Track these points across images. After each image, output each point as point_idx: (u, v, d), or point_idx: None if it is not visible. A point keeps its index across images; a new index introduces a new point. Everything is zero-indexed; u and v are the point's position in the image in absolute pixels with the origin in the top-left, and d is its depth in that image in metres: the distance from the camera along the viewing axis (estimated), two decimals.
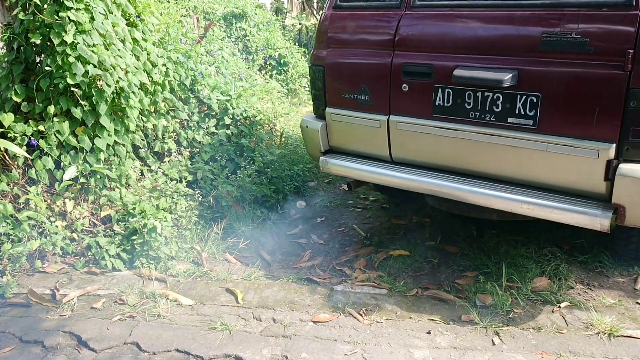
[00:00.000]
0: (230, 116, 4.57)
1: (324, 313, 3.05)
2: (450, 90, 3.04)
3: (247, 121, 4.69)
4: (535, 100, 2.77)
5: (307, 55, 8.36)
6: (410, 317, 3.03)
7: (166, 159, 4.21)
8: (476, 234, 3.98)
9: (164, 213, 3.56)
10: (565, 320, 2.93)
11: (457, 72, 2.92)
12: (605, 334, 2.78)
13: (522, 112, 2.83)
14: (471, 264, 3.59)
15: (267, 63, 7.82)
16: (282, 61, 7.90)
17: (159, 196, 3.73)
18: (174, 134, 4.35)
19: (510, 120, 2.87)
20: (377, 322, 2.98)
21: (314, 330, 2.90)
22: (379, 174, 3.41)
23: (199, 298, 3.19)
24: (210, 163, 4.33)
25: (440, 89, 3.07)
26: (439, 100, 3.09)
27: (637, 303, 3.09)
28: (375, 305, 3.13)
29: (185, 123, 4.43)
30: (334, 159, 3.61)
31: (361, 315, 3.03)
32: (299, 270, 3.57)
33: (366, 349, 2.74)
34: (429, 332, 2.89)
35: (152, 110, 4.22)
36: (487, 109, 2.94)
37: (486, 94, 2.92)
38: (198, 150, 4.37)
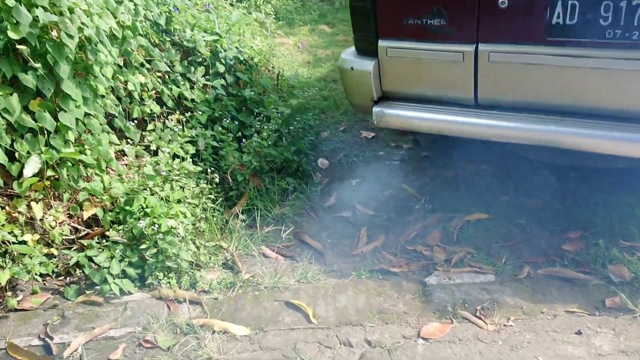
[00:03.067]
0: (222, 61, 3.53)
1: (430, 322, 2.28)
2: (575, 1, 2.18)
3: (244, 66, 3.66)
4: None
5: None
6: (542, 312, 2.31)
7: (150, 127, 3.18)
8: (556, 179, 3.26)
9: (178, 207, 2.60)
10: None
11: None
12: None
13: None
14: (569, 221, 2.89)
15: None
16: None
17: (163, 181, 2.74)
18: (154, 92, 3.28)
19: None
20: (505, 325, 2.25)
21: (429, 352, 2.13)
22: (471, 124, 2.57)
23: (254, 322, 2.33)
24: (209, 126, 3.32)
25: (559, 1, 2.21)
26: (558, 16, 2.24)
27: None
28: (490, 300, 2.38)
29: (167, 76, 3.36)
30: (393, 108, 2.73)
31: (481, 319, 2.28)
32: (363, 258, 2.76)
33: None
34: (579, 333, 2.19)
35: (122, 64, 3.12)
36: (636, 24, 2.12)
37: (635, 2, 2.09)
38: (190, 110, 3.33)
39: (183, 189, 2.83)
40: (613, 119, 2.31)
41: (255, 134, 3.25)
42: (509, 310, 2.32)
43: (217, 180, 2.93)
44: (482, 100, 2.56)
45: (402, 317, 2.32)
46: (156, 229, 2.45)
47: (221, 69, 3.48)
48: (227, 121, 3.35)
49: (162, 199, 2.66)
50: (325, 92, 4.49)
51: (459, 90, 2.59)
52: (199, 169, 2.93)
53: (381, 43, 2.65)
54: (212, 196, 2.92)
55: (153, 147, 2.99)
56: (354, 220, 3.08)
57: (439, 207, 3.13)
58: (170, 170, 2.77)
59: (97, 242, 2.59)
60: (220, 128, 3.31)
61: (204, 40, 3.44)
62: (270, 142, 3.23)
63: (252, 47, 3.84)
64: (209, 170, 2.97)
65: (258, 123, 3.33)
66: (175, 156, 2.90)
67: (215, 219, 2.89)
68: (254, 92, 3.54)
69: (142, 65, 3.21)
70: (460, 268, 2.58)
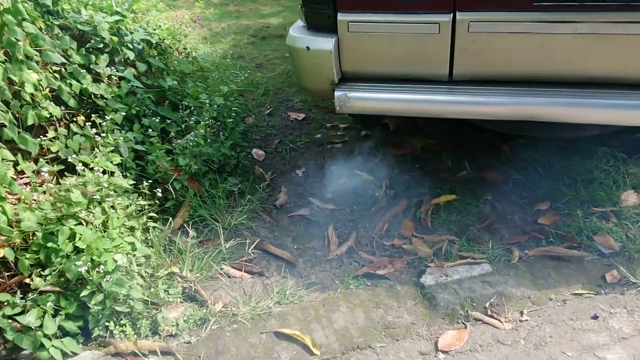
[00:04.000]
0: (130, 45, 2.93)
1: (444, 331, 2.04)
2: None
3: (156, 50, 3.09)
4: None
5: None
6: (550, 299, 2.18)
7: (51, 134, 2.56)
8: (509, 148, 3.17)
9: (123, 236, 2.09)
10: None
11: None
12: None
13: None
14: (534, 192, 2.80)
15: None
16: None
17: (87, 204, 2.18)
18: (49, 90, 2.63)
19: None
20: (521, 321, 2.08)
21: None
22: (449, 103, 2.32)
23: None
24: (126, 126, 2.76)
25: None
26: None
27: None
28: (496, 294, 2.20)
29: (63, 70, 2.72)
30: (359, 91, 2.39)
31: (494, 317, 2.09)
32: (340, 263, 2.45)
33: None
34: (595, 317, 2.08)
35: (3, 59, 2.45)
36: None
37: None
38: (101, 110, 2.74)
39: (115, 208, 2.29)
40: (604, 87, 2.19)
41: (187, 131, 2.75)
42: (518, 303, 2.16)
43: (159, 194, 2.43)
44: (458, 75, 2.32)
45: (411, 330, 2.05)
46: (101, 271, 1.93)
47: (130, 55, 2.89)
48: (148, 119, 2.80)
49: (96, 227, 2.11)
50: (239, 72, 4.01)
51: (432, 66, 2.32)
52: (131, 182, 2.40)
53: (341, 17, 2.28)
54: (152, 213, 2.42)
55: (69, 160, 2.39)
56: (315, 219, 2.74)
57: (401, 192, 2.89)
58: (99, 190, 2.21)
59: (16, 295, 1.99)
60: (140, 127, 2.76)
61: (105, 22, 2.82)
62: (207, 139, 2.75)
63: (159, 26, 3.26)
64: (144, 183, 2.44)
65: (187, 117, 2.82)
66: (103, 171, 2.33)
67: (156, 239, 2.40)
68: (175, 80, 3.00)
69: (29, 58, 2.55)
70: (452, 261, 2.37)
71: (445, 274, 2.30)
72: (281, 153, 3.32)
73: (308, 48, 2.35)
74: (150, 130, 2.76)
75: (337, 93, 2.39)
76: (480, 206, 2.76)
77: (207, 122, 2.79)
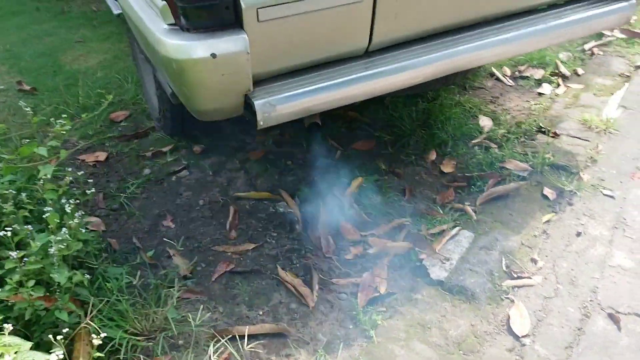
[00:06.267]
0: None
1: (502, 316, 1.87)
2: None
3: None
4: None
5: None
6: (535, 236, 2.21)
7: None
8: (359, 114, 3.03)
9: None
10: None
11: None
12: None
13: None
14: (414, 146, 2.78)
15: None
16: None
17: None
18: None
19: None
20: (540, 268, 2.05)
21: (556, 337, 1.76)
22: (379, 76, 2.00)
23: None
24: None
25: None
26: None
27: None
28: (500, 254, 2.11)
29: None
30: (283, 93, 1.86)
31: (522, 277, 2.00)
32: (329, 306, 1.98)
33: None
34: (579, 234, 2.20)
35: None
36: None
37: None
38: None
39: None
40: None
41: None
42: (520, 253, 2.12)
43: None
44: (377, 43, 2.01)
45: (479, 333, 1.81)
46: None
47: None
48: None
49: None
50: None
51: (353, 40, 1.95)
52: None
53: (246, 2, 1.68)
54: None
55: None
56: (261, 270, 2.13)
57: (305, 196, 2.48)
58: None
59: None
60: None
61: None
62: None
63: None
64: None
65: None
66: None
67: None
68: None
69: None
70: (439, 240, 2.16)
71: (445, 258, 2.08)
72: (119, 210, 2.44)
73: (214, 55, 1.68)
74: None
75: (257, 103, 1.80)
76: (386, 178, 2.57)
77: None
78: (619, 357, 1.71)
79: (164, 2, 1.72)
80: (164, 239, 2.25)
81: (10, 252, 1.62)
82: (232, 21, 1.71)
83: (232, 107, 1.85)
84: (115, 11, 3.31)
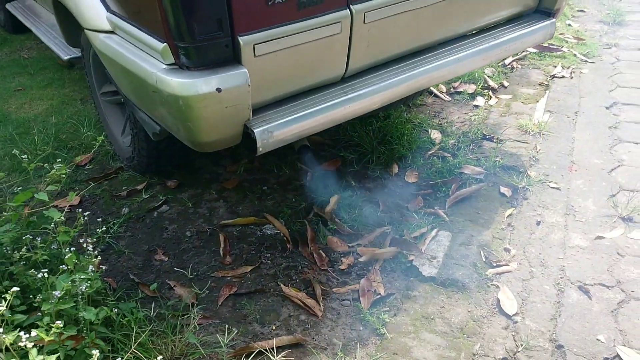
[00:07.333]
0: None
1: (492, 300, 2.10)
2: None
3: None
4: None
5: None
6: (503, 229, 2.48)
7: None
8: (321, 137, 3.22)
9: None
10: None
11: None
12: None
13: None
14: (370, 159, 3.01)
15: None
16: None
17: None
18: None
19: None
20: (515, 256, 2.31)
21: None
22: (357, 99, 2.21)
23: None
24: None
25: None
26: None
27: None
28: (478, 247, 2.36)
29: None
30: (277, 120, 2.03)
31: (502, 265, 2.26)
32: (336, 314, 2.13)
33: None
34: (538, 223, 2.49)
35: None
36: None
37: None
38: None
39: None
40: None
41: None
42: (494, 244, 2.37)
43: None
44: (352, 70, 2.23)
45: (478, 319, 2.02)
46: None
47: None
48: None
49: None
50: None
51: (331, 68, 2.15)
52: None
53: (244, 41, 1.84)
54: None
55: None
56: (270, 294, 2.24)
57: (289, 218, 2.62)
58: None
59: None
60: None
61: None
62: None
63: None
64: None
65: None
66: None
67: None
68: None
69: None
70: (422, 241, 2.37)
71: (432, 256, 2.29)
72: (107, 251, 2.47)
73: (219, 90, 1.82)
74: None
75: (257, 131, 1.95)
76: (358, 193, 2.77)
77: None
78: (595, 320, 1.98)
79: (165, 44, 1.83)
80: (161, 271, 2.30)
81: (39, 295, 1.64)
82: (230, 57, 1.86)
83: (232, 137, 1.98)
84: (65, 57, 3.32)
